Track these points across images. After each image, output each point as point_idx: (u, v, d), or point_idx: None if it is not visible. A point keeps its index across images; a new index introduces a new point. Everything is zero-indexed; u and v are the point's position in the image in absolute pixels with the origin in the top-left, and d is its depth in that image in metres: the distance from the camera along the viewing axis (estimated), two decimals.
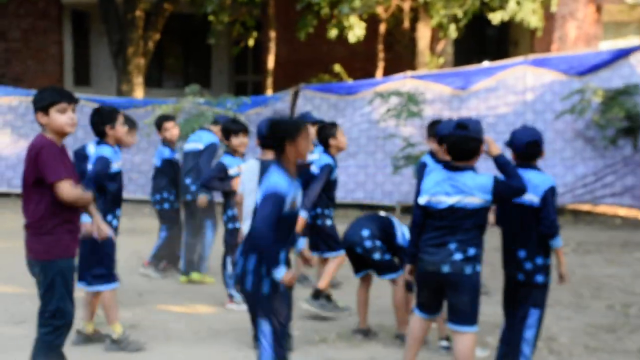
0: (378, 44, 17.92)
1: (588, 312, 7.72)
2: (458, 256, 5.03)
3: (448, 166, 5.15)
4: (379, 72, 17.70)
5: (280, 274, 4.65)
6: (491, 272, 8.42)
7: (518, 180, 5.07)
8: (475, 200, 5.01)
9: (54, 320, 4.94)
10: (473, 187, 5.01)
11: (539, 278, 5.35)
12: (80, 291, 6.46)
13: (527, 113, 13.46)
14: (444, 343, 6.42)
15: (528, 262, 5.34)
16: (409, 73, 14.38)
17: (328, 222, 7.47)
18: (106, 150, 6.36)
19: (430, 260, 5.10)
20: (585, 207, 13.72)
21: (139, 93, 16.72)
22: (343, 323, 7.20)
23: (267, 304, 4.75)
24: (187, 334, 6.91)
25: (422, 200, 5.18)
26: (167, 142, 9.06)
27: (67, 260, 4.97)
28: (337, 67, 17.68)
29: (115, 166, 6.41)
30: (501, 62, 14.36)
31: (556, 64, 13.67)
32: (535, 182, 5.30)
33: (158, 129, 9.09)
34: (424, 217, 5.20)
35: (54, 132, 4.95)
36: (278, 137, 4.81)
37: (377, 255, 6.64)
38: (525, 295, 5.38)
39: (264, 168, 6.26)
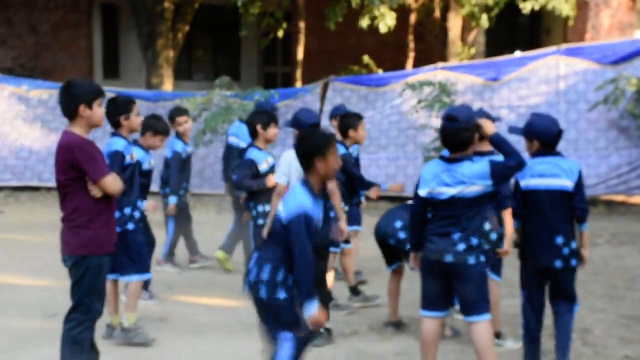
0: (408, 34, 17.77)
1: (622, 304, 7.61)
2: (461, 246, 5.04)
3: (445, 159, 5.15)
4: (409, 63, 17.57)
5: (312, 308, 4.46)
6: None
7: (515, 157, 5.04)
8: (476, 188, 5.02)
9: (78, 314, 4.96)
10: (472, 176, 5.02)
11: (574, 262, 5.45)
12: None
13: (559, 103, 13.28)
14: None
15: (565, 248, 5.40)
16: (440, 64, 14.25)
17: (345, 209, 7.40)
18: (119, 143, 6.29)
19: (433, 249, 5.11)
20: (619, 198, 13.51)
21: (168, 86, 16.74)
22: (374, 315, 7.15)
23: (286, 313, 4.58)
24: (217, 327, 6.88)
25: (423, 192, 5.18)
26: (179, 136, 8.91)
27: (100, 257, 4.99)
28: (366, 58, 17.57)
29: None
30: (533, 52, 14.17)
31: (589, 53, 13.46)
32: (566, 167, 5.39)
33: (171, 122, 9.00)
34: (424, 207, 5.21)
35: (91, 125, 4.97)
36: (307, 152, 4.64)
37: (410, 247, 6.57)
38: (566, 281, 5.44)
39: None
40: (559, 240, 5.39)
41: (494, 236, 5.83)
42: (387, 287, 6.92)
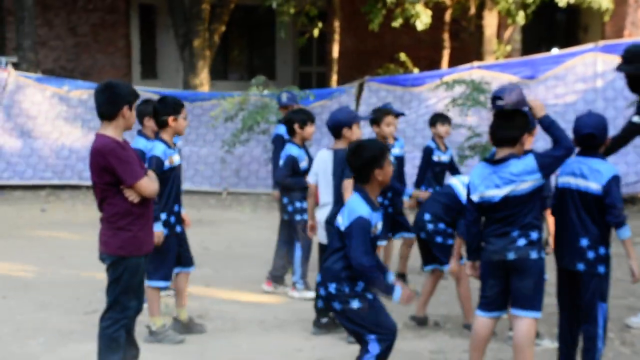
0: (444, 32, 17.73)
1: None
2: (522, 242, 4.98)
3: (490, 161, 5.08)
4: (445, 61, 17.53)
5: (397, 295, 4.66)
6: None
7: (563, 144, 4.96)
8: (527, 185, 4.96)
9: (113, 313, 5.02)
10: (521, 173, 4.95)
11: (601, 269, 5.20)
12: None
13: (597, 101, 13.17)
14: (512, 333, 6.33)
15: (591, 251, 5.19)
16: (476, 63, 14.20)
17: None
18: (159, 148, 6.19)
19: (494, 250, 5.04)
20: None
21: (205, 86, 16.88)
22: (409, 312, 7.15)
23: (364, 319, 4.71)
24: (253, 324, 6.94)
25: (475, 197, 5.12)
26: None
27: (138, 258, 5.04)
28: (403, 56, 17.55)
29: (168, 163, 6.24)
30: (570, 49, 14.07)
31: (623, 53, 13.28)
32: (598, 170, 5.19)
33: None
34: (478, 213, 5.16)
35: (127, 127, 5.01)
36: (364, 164, 4.70)
37: (439, 239, 6.63)
38: (587, 287, 5.21)
39: (338, 158, 6.27)
40: (584, 242, 5.20)
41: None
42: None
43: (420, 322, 6.86)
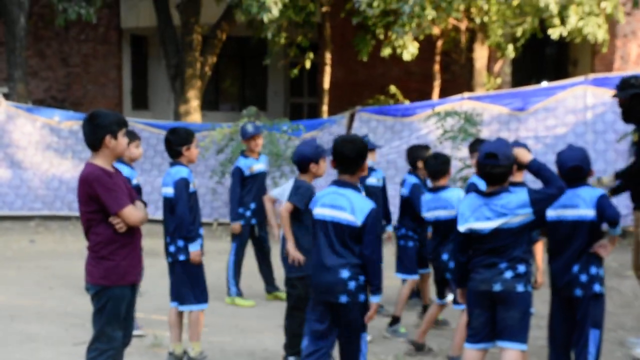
0: (434, 64, 17.83)
1: None
2: (509, 274, 5.05)
3: (482, 193, 5.16)
4: (435, 93, 17.60)
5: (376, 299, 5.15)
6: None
7: (554, 184, 5.07)
8: (519, 219, 5.02)
9: (99, 344, 4.99)
10: (513, 207, 5.02)
11: (596, 287, 5.33)
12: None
13: (587, 133, 13.22)
14: None
15: (583, 275, 5.32)
16: (466, 94, 14.25)
17: (410, 244, 7.78)
18: (183, 171, 6.38)
19: (481, 279, 5.11)
20: None
21: (196, 116, 16.89)
22: (400, 346, 7.12)
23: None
24: (242, 356, 6.87)
25: (462, 228, 5.18)
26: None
27: (122, 288, 5.01)
28: (393, 88, 17.62)
29: (192, 187, 6.45)
30: (561, 82, 14.13)
31: (617, 82, 13.36)
32: (586, 197, 5.34)
33: None
34: (467, 244, 5.21)
35: (116, 155, 5.05)
36: (357, 156, 5.24)
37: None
38: (584, 313, 5.31)
39: (294, 185, 6.33)
40: (575, 268, 5.33)
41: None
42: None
43: (418, 348, 6.89)
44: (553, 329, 5.51)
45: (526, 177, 6.28)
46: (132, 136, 7.26)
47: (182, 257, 6.40)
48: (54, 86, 20.87)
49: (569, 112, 13.39)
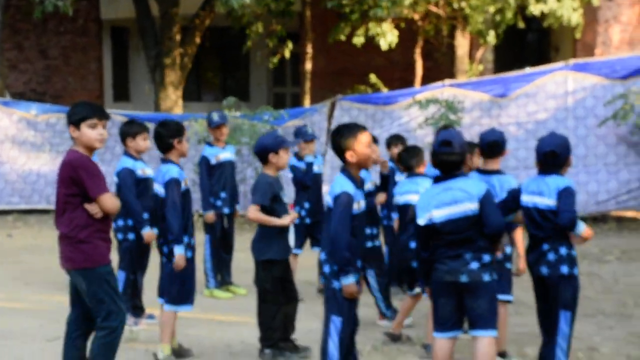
0: (416, 52, 17.75)
1: (632, 321, 7.49)
2: (475, 265, 5.04)
3: (439, 178, 5.17)
4: (418, 81, 17.53)
5: (347, 281, 5.00)
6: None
7: (499, 218, 5.05)
8: (471, 206, 5.00)
9: (110, 322, 5.06)
10: (471, 191, 5.02)
11: (564, 269, 5.28)
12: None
13: (568, 119, 13.19)
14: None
15: (551, 253, 5.30)
16: (447, 81, 14.19)
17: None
18: (173, 170, 6.22)
19: (446, 270, 5.09)
20: (630, 214, 13.38)
21: (177, 107, 16.75)
22: (378, 336, 7.05)
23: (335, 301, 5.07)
24: (219, 348, 6.80)
25: (422, 221, 5.16)
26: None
27: (106, 266, 5.10)
28: (374, 78, 17.51)
29: (183, 185, 6.28)
30: (541, 67, 14.08)
31: (598, 68, 13.36)
32: (552, 186, 5.31)
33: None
34: (428, 236, 5.17)
35: (84, 146, 5.11)
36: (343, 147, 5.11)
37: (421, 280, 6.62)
38: (554, 295, 5.30)
39: (256, 182, 6.39)
40: (545, 246, 5.32)
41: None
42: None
43: (394, 338, 6.83)
44: (538, 310, 5.52)
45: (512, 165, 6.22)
46: (140, 128, 7.27)
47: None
48: (34, 79, 20.67)
49: (550, 98, 13.36)
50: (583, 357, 6.33)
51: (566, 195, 5.22)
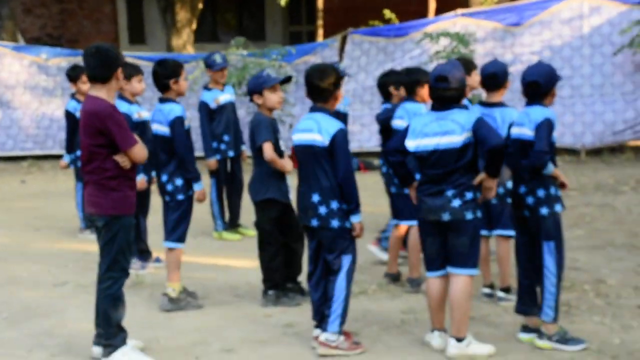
0: None
1: None
2: (457, 202, 4.96)
3: (434, 107, 5.10)
4: (432, 13, 17.17)
5: (359, 218, 5.15)
6: None
7: (497, 136, 4.91)
8: (458, 139, 4.90)
9: (112, 273, 5.09)
10: (457, 125, 4.92)
11: (543, 210, 5.15)
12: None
13: (583, 47, 12.87)
14: (486, 290, 6.20)
15: (530, 197, 5.18)
16: (460, 11, 13.87)
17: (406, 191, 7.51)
18: (177, 109, 6.17)
19: (428, 209, 5.03)
20: None
21: (188, 48, 16.60)
22: (383, 275, 7.00)
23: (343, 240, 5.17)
24: (225, 291, 6.79)
25: (411, 144, 5.09)
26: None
27: (129, 217, 5.12)
28: (388, 13, 17.16)
29: (187, 123, 6.24)
30: None
31: None
32: (532, 117, 5.15)
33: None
34: (408, 159, 5.18)
35: (118, 89, 5.25)
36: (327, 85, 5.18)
37: (392, 189, 6.70)
38: (536, 230, 5.19)
39: (251, 122, 6.28)
40: (522, 189, 5.20)
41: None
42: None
43: (394, 278, 6.76)
44: (516, 247, 5.40)
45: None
46: (135, 70, 7.17)
47: (180, 197, 6.24)
48: (49, 23, 20.56)
49: (565, 25, 13.02)
50: (589, 290, 6.25)
51: (542, 129, 5.05)
